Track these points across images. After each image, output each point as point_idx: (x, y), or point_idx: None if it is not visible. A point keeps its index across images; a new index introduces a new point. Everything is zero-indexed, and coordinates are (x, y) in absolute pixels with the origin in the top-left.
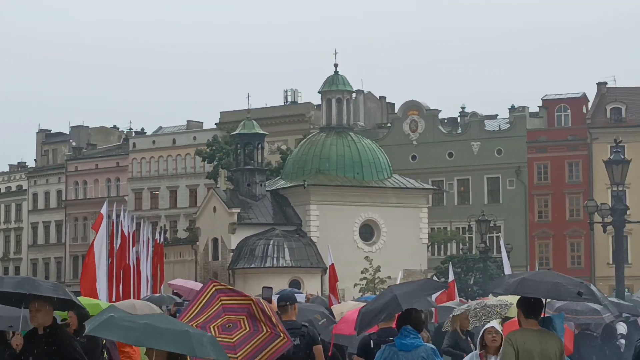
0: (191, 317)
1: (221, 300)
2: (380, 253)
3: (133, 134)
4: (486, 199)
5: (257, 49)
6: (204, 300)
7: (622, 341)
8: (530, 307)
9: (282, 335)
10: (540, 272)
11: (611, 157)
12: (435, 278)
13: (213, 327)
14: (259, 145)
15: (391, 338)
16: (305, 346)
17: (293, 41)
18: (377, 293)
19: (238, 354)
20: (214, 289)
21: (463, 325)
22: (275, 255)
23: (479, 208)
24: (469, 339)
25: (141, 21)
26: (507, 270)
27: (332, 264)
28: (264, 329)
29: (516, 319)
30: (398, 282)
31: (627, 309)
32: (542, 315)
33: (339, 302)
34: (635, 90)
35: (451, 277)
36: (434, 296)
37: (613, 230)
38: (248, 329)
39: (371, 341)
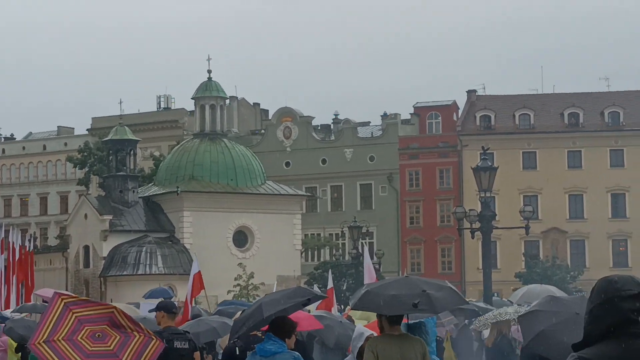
0: (46, 334)
1: (74, 313)
2: (254, 259)
3: (2, 139)
4: (359, 205)
5: (130, 54)
6: (55, 316)
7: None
8: (393, 317)
9: (153, 338)
10: (392, 280)
11: (479, 164)
12: (305, 285)
13: (81, 338)
14: (132, 152)
15: (255, 345)
16: (192, 351)
17: (166, 47)
18: (251, 300)
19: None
20: (62, 304)
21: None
22: (148, 263)
23: (352, 214)
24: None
25: (8, 24)
26: (367, 279)
27: (199, 272)
28: (135, 335)
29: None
30: (274, 290)
31: (472, 315)
32: (404, 321)
33: (189, 311)
34: (504, 98)
35: (330, 285)
36: (314, 305)
37: (481, 235)
38: (118, 336)
39: (236, 348)
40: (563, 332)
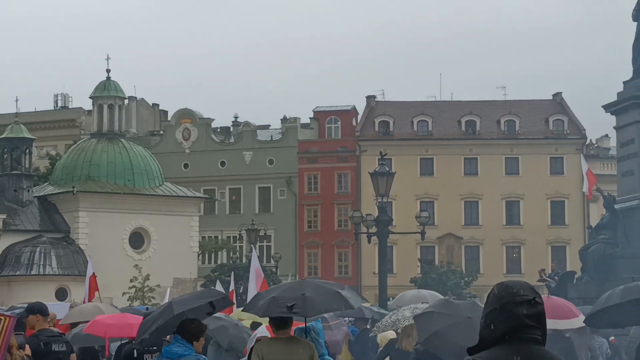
0: None
1: None
2: (150, 261)
3: None
4: (257, 208)
5: (26, 52)
6: None
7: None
8: (277, 320)
9: (1, 318)
10: (287, 284)
11: (377, 169)
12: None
13: None
14: (27, 150)
15: (154, 347)
16: (69, 353)
17: (65, 45)
18: (147, 302)
19: None
20: None
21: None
22: (42, 263)
23: (250, 217)
24: None
25: None
26: (252, 283)
27: (93, 274)
28: None
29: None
30: (167, 293)
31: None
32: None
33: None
34: (403, 105)
35: (232, 287)
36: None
37: (378, 240)
38: None
39: (134, 350)
40: (455, 334)
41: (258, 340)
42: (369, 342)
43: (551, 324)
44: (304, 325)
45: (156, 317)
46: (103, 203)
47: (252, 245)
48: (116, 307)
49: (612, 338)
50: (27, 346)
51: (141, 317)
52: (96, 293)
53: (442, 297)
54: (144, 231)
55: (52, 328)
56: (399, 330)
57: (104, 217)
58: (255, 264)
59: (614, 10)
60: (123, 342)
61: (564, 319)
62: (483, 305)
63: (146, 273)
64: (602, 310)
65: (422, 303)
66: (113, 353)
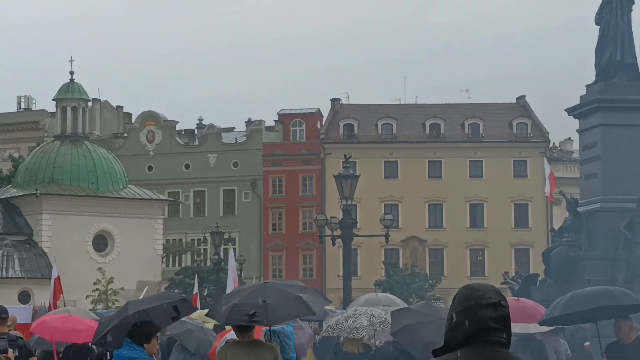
0: None
1: None
2: (114, 264)
3: None
4: (222, 211)
5: None
6: None
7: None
8: (239, 325)
9: None
10: (248, 287)
11: (341, 172)
12: (165, 289)
13: None
14: None
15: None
16: (27, 357)
17: (28, 47)
18: (110, 305)
19: None
20: None
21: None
22: (5, 266)
23: (214, 220)
24: None
25: None
26: (229, 284)
27: (58, 276)
28: None
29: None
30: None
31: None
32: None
33: None
34: (367, 108)
35: (195, 290)
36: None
37: (342, 243)
38: None
39: (107, 353)
40: (427, 330)
41: (227, 342)
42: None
43: (522, 328)
44: (272, 327)
45: (112, 317)
46: (66, 206)
47: (226, 248)
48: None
49: (587, 343)
50: (10, 350)
51: (89, 322)
52: (61, 296)
53: (397, 300)
54: (108, 234)
55: (11, 332)
56: (350, 335)
57: (68, 219)
58: (232, 266)
59: (578, 14)
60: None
61: (534, 322)
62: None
63: (110, 276)
64: (551, 319)
65: (381, 307)
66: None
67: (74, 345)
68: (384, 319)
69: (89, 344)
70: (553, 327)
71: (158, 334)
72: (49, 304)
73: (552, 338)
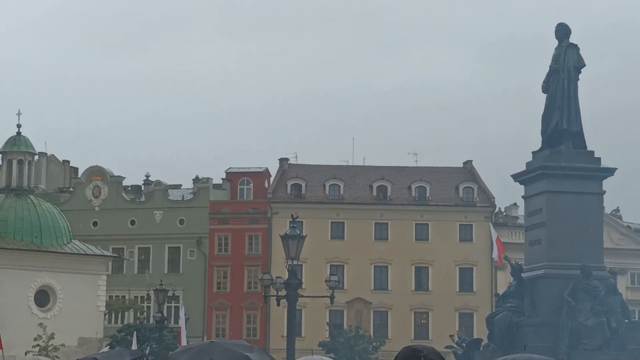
0: None
1: None
2: (55, 319)
3: None
4: (166, 268)
5: None
6: None
7: None
8: None
9: None
10: (194, 346)
11: (288, 232)
12: (107, 348)
13: None
14: None
15: None
16: None
17: None
18: None
19: None
20: None
21: None
22: None
23: (159, 277)
24: None
25: None
26: (184, 341)
27: None
28: None
29: None
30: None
31: None
32: None
33: None
34: (315, 168)
35: (134, 346)
36: None
37: (287, 303)
38: None
39: None
40: None
41: None
42: None
43: None
44: None
45: None
46: (8, 260)
47: (179, 305)
48: None
49: None
50: None
51: None
52: (0, 351)
53: None
54: (50, 289)
55: None
56: None
57: (10, 274)
58: (182, 322)
59: (525, 82)
60: None
61: None
62: None
63: (51, 332)
64: None
65: None
66: None
67: None
68: None
69: None
70: None
71: None
72: None
73: None
